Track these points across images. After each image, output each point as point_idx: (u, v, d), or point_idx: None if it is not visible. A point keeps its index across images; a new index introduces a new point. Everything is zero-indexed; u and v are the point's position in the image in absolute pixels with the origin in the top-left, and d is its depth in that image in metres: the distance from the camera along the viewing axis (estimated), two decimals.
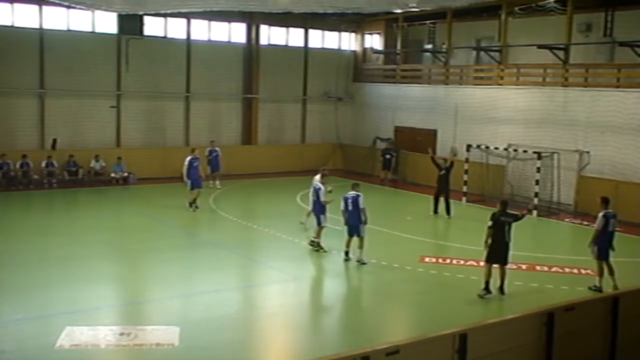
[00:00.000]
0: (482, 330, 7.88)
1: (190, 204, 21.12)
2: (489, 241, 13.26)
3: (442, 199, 21.20)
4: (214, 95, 29.92)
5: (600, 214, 13.67)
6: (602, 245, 13.62)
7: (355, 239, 15.49)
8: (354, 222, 15.39)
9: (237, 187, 26.46)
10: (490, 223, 13.27)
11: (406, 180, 28.72)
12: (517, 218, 13.35)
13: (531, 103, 24.75)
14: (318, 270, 15.78)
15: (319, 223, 16.54)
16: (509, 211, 13.43)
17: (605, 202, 13.84)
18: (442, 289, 14.23)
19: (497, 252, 13.20)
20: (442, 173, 21.18)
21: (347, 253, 15.61)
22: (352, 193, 15.48)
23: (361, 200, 15.34)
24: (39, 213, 21.65)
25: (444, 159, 22.31)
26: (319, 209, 16.52)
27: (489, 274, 13.20)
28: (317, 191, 16.57)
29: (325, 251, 16.32)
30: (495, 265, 13.27)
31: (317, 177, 17.28)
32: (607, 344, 8.82)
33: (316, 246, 16.50)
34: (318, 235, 16.51)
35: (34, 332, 10.95)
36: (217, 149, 25.77)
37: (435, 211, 21.31)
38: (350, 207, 15.36)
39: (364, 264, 15.24)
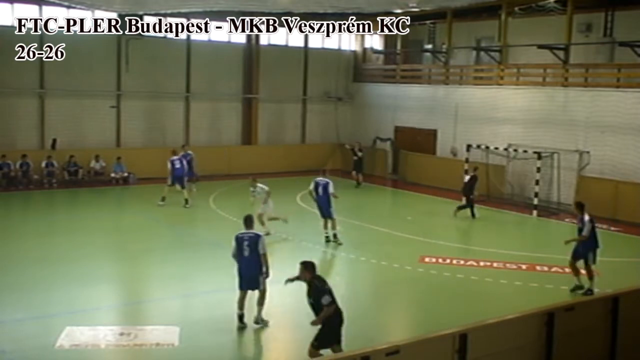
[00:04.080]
0: (482, 330, 7.88)
1: (163, 198, 21.28)
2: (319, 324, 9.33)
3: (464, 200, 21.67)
4: (214, 95, 29.91)
5: (587, 219, 13.31)
6: (587, 248, 13.36)
7: (251, 293, 11.32)
8: (250, 272, 11.05)
9: (237, 187, 26.43)
10: (311, 301, 9.38)
11: (406, 180, 28.71)
12: (329, 293, 9.23)
13: (531, 103, 24.75)
14: (317, 270, 15.71)
15: (330, 216, 16.93)
16: (320, 276, 9.53)
17: (581, 207, 13.55)
18: (442, 289, 14.22)
19: (330, 334, 9.35)
20: (466, 181, 21.72)
21: (241, 317, 11.14)
22: (248, 233, 11.17)
23: (261, 244, 11.00)
24: (39, 213, 21.62)
25: (474, 167, 22.30)
26: (328, 202, 16.85)
27: None
28: (324, 186, 16.68)
29: (341, 243, 16.91)
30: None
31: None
32: (607, 344, 8.82)
33: (333, 238, 16.99)
34: (333, 226, 16.96)
35: (34, 332, 10.97)
36: (190, 152, 24.06)
37: (472, 215, 21.27)
38: (246, 253, 10.96)
39: (263, 324, 11.35)
